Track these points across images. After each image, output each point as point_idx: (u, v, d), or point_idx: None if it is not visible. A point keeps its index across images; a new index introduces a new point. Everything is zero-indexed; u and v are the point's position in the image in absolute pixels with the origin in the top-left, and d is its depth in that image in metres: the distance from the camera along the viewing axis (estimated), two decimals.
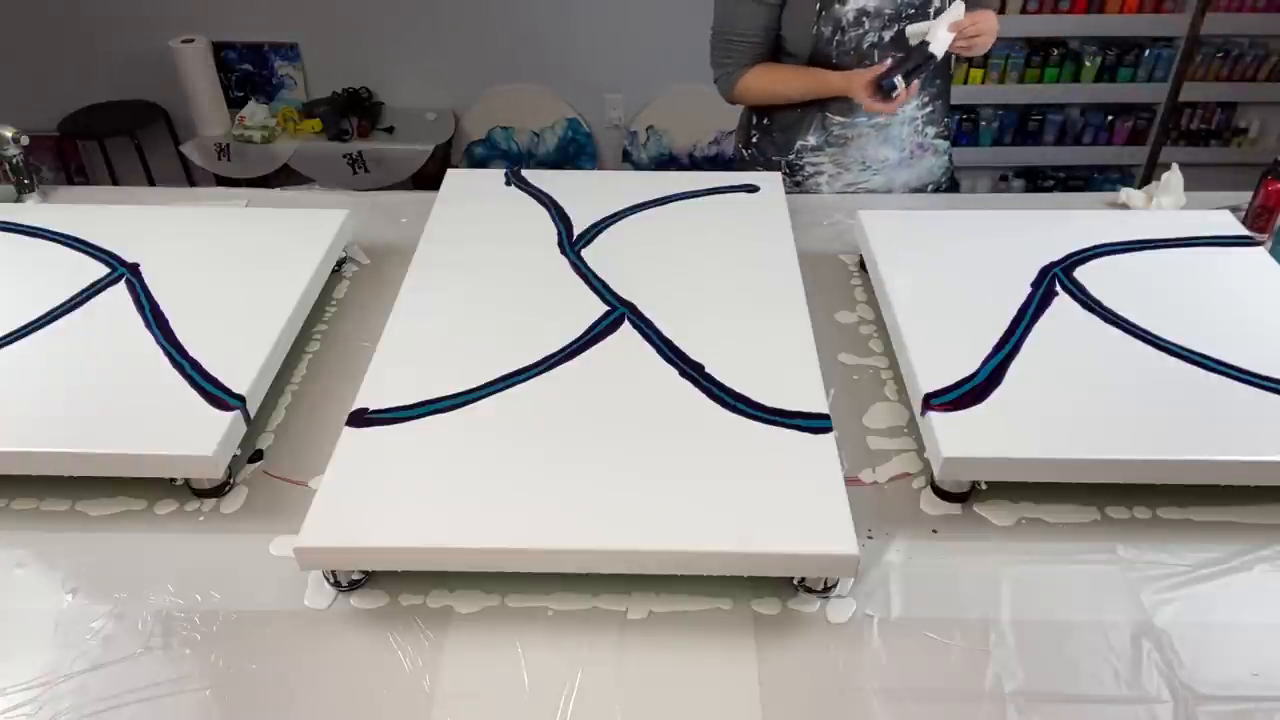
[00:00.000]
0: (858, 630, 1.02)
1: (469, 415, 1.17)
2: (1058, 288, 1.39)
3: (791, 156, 1.87)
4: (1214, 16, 3.37)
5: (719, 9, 1.76)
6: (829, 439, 1.13)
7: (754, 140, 1.93)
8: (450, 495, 1.06)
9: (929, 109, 1.83)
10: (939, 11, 1.68)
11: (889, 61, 1.59)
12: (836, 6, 1.66)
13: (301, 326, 1.40)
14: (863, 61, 1.71)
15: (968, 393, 1.18)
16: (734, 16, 1.73)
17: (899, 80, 1.57)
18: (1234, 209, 1.65)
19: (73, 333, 1.31)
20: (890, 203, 1.83)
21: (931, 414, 1.16)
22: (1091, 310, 1.35)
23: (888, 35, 1.69)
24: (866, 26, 1.68)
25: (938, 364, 1.23)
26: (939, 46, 1.59)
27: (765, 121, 1.89)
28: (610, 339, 1.30)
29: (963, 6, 1.60)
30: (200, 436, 1.12)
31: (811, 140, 1.85)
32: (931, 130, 1.86)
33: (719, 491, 1.06)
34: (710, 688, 0.97)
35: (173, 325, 1.31)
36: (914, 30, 1.64)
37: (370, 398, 1.19)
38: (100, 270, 1.44)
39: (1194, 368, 1.24)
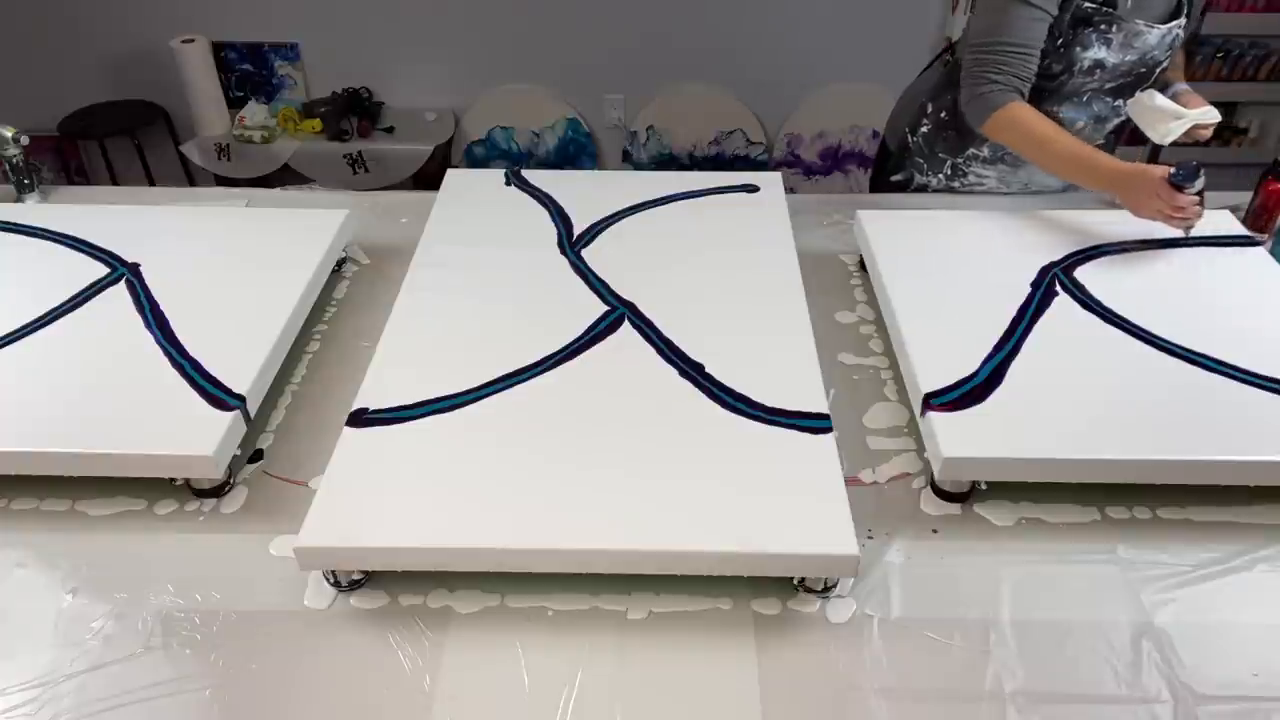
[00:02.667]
0: (858, 630, 1.02)
1: (469, 415, 1.17)
2: (1058, 288, 1.39)
3: (959, 160, 1.80)
4: (1214, 16, 3.37)
5: (986, 17, 1.55)
6: (829, 439, 1.13)
7: (924, 129, 1.82)
8: (450, 495, 1.06)
9: (1102, 144, 1.77)
10: (1161, 77, 1.64)
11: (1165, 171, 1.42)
12: (1077, 50, 1.56)
13: (301, 326, 1.40)
14: (1070, 101, 1.65)
15: (968, 393, 1.18)
16: (1013, 26, 1.52)
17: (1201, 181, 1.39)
18: (1234, 209, 1.65)
19: (73, 333, 1.31)
20: (890, 203, 1.83)
21: (931, 414, 1.16)
22: (1091, 310, 1.35)
23: (1109, 85, 1.63)
24: (1095, 77, 1.61)
25: (938, 364, 1.23)
26: (1165, 139, 1.55)
27: (944, 116, 1.78)
28: (610, 339, 1.30)
29: (1213, 111, 1.56)
30: (200, 436, 1.12)
31: (985, 153, 1.77)
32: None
33: (719, 491, 1.06)
34: (710, 688, 0.97)
35: (173, 325, 1.31)
36: (1139, 109, 1.57)
37: (370, 398, 1.19)
38: (100, 270, 1.44)
39: (1194, 368, 1.24)
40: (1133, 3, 1.54)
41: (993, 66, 1.54)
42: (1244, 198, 1.72)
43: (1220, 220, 1.58)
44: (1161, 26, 1.56)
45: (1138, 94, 1.57)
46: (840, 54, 3.43)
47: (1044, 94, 1.66)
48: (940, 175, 1.84)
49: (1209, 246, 1.51)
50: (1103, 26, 1.54)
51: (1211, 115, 1.54)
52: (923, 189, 1.88)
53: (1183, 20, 1.58)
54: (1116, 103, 1.68)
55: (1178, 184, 1.39)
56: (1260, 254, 1.49)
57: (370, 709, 0.95)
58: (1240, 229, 1.56)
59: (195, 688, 0.96)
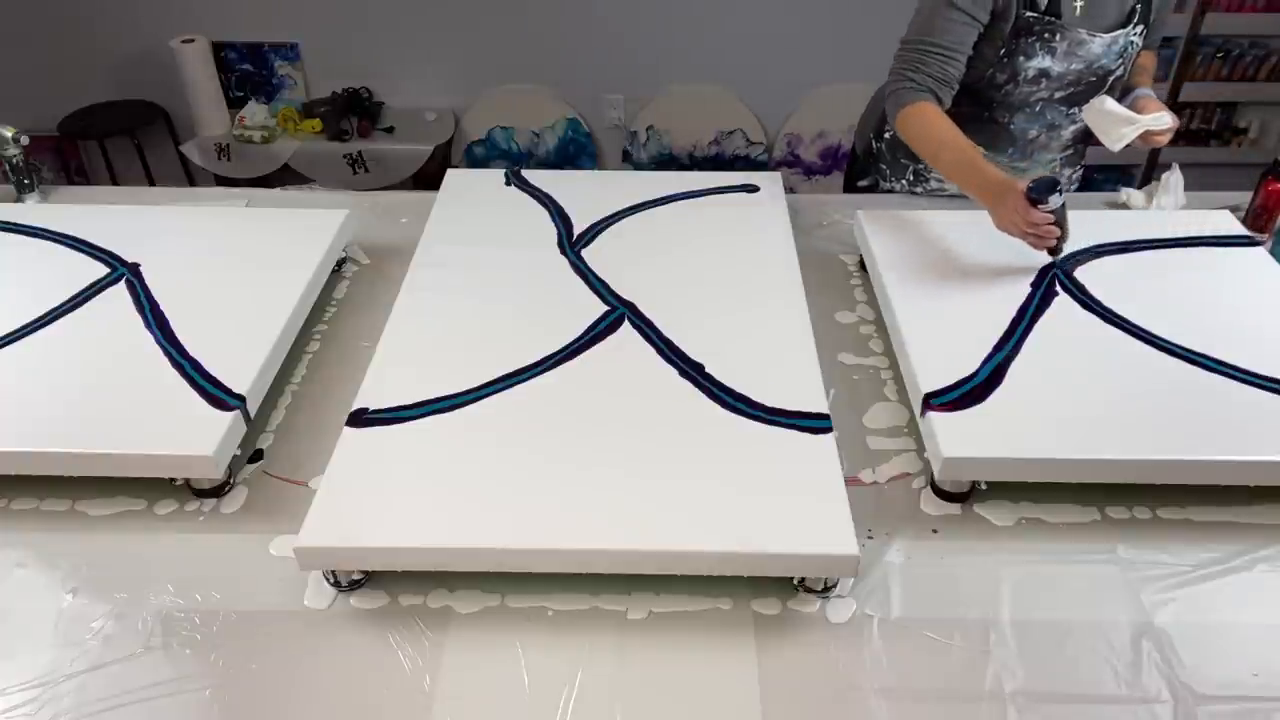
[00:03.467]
0: (858, 630, 1.02)
1: (469, 415, 1.17)
2: (1058, 288, 1.39)
3: (920, 165, 1.80)
4: (1214, 16, 3.36)
5: (920, 18, 1.58)
6: (829, 439, 1.13)
7: (887, 135, 1.83)
8: (450, 495, 1.06)
9: (1070, 151, 1.78)
10: (1118, 84, 1.63)
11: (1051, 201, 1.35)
12: (1020, 60, 1.57)
13: (301, 326, 1.40)
14: (1022, 111, 1.65)
15: (968, 393, 1.18)
16: (938, 26, 1.54)
17: (1056, 199, 1.33)
18: (1234, 209, 1.65)
19: (73, 333, 1.31)
20: (890, 203, 1.83)
21: (931, 414, 1.16)
22: (1091, 310, 1.35)
23: (1059, 94, 1.63)
24: (1042, 86, 1.61)
25: (938, 364, 1.23)
26: (1117, 145, 1.52)
27: None
28: (610, 339, 1.30)
29: (1167, 117, 1.54)
30: (200, 436, 1.12)
31: None
32: (1068, 171, 1.82)
33: (719, 491, 1.06)
34: (710, 688, 0.97)
35: (173, 325, 1.31)
36: (1092, 115, 1.54)
37: (370, 398, 1.19)
38: (100, 270, 1.44)
39: (1194, 368, 1.24)
40: (1080, 11, 1.54)
41: (912, 65, 1.57)
42: (1244, 198, 1.72)
43: (1220, 220, 1.58)
44: (1106, 35, 1.55)
45: (1092, 100, 1.57)
46: (840, 54, 3.43)
47: (993, 104, 1.66)
48: (903, 180, 1.84)
49: (1209, 246, 1.51)
50: (1046, 35, 1.54)
51: (1164, 120, 1.53)
52: (888, 194, 1.87)
53: (1131, 29, 1.57)
54: (1071, 110, 1.67)
55: (1032, 199, 1.32)
56: (1260, 254, 1.49)
57: (370, 709, 0.95)
58: (1240, 229, 1.56)
59: (195, 688, 0.96)
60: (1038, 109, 1.66)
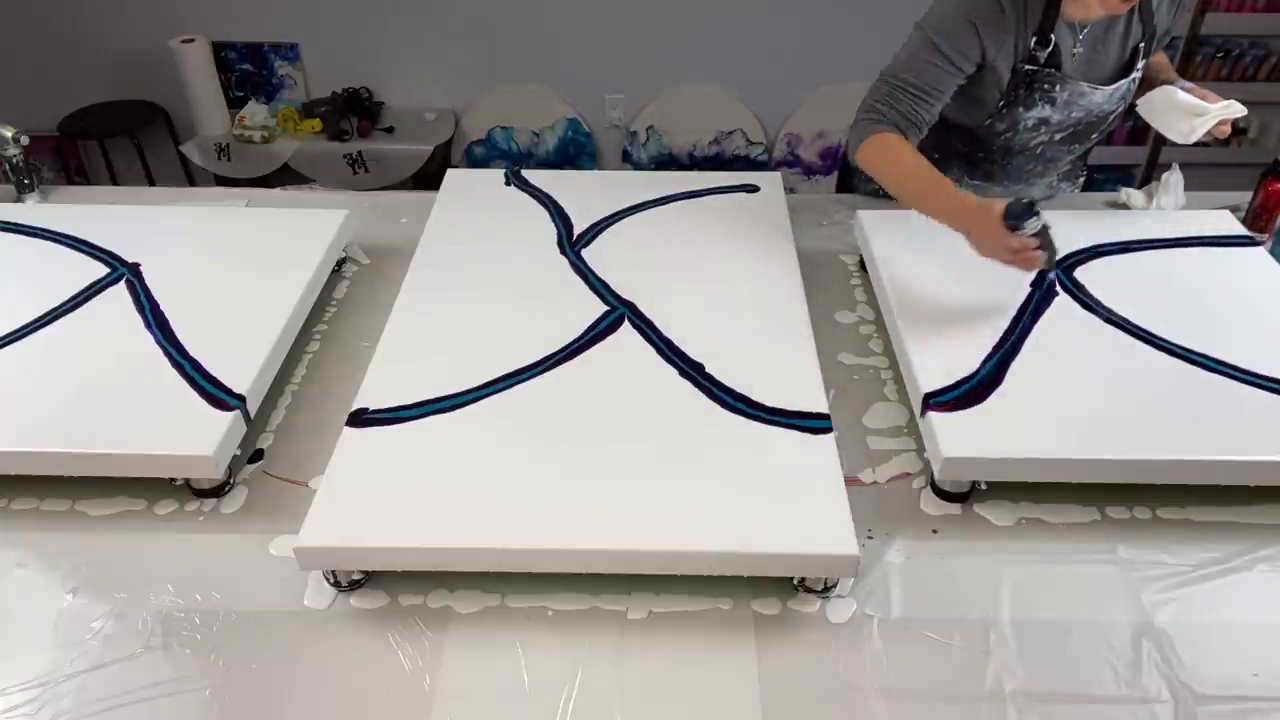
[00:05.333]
0: (858, 630, 1.02)
1: (469, 415, 1.17)
2: (1058, 288, 1.39)
3: None
4: (1214, 16, 3.37)
5: (902, 55, 1.51)
6: (829, 439, 1.13)
7: None
8: (450, 495, 1.06)
9: (1067, 168, 1.77)
10: (1116, 121, 1.60)
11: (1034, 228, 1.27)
12: (1020, 110, 1.53)
13: (301, 326, 1.40)
14: (1022, 154, 1.63)
15: (968, 393, 1.18)
16: (917, 68, 1.47)
17: (1036, 221, 1.25)
18: (1234, 209, 1.65)
19: (73, 333, 1.31)
20: (890, 203, 1.83)
21: (931, 414, 1.16)
22: (1091, 310, 1.35)
23: (1059, 136, 1.60)
24: (1041, 132, 1.58)
25: (938, 364, 1.23)
26: (1189, 138, 1.48)
27: None
28: (610, 339, 1.30)
29: (1238, 104, 1.48)
30: (200, 436, 1.12)
31: None
32: (1066, 186, 1.81)
33: (719, 491, 1.06)
34: (710, 688, 0.97)
35: (173, 325, 1.31)
36: (1157, 108, 1.48)
37: (370, 398, 1.19)
38: (100, 270, 1.44)
39: (1194, 368, 1.24)
40: (1076, 58, 1.51)
41: (884, 99, 1.50)
42: (1244, 198, 1.72)
43: (1220, 220, 1.58)
44: (1108, 87, 1.53)
45: (1150, 94, 1.54)
46: (840, 54, 3.43)
47: (991, 147, 1.64)
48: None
49: (1209, 246, 1.51)
50: (1045, 87, 1.51)
51: (1236, 109, 1.48)
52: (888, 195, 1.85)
53: (1133, 77, 1.55)
54: (1073, 147, 1.65)
55: (1010, 225, 1.25)
56: (1260, 254, 1.49)
57: (370, 709, 0.95)
58: (1240, 229, 1.56)
59: (195, 688, 0.96)
60: (1039, 151, 1.65)
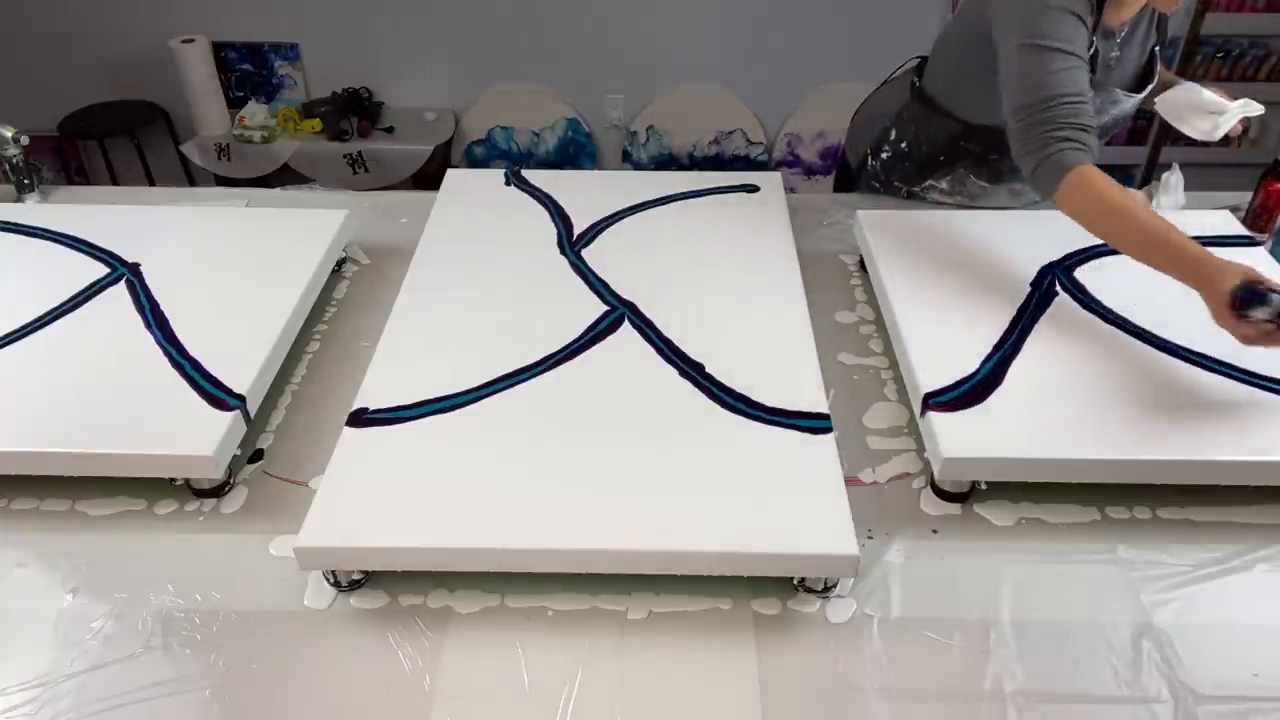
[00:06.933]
0: (858, 630, 1.02)
1: (469, 415, 1.17)
2: (1058, 288, 1.39)
3: (917, 189, 1.78)
4: (1214, 16, 3.37)
5: (1036, 71, 1.31)
6: (829, 439, 1.13)
7: (884, 155, 1.78)
8: (450, 495, 1.06)
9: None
10: (1117, 130, 1.58)
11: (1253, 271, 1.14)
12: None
13: (301, 326, 1.40)
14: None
15: (968, 393, 1.18)
16: (1059, 78, 1.29)
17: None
18: (1234, 209, 1.65)
19: (73, 333, 1.31)
20: (890, 203, 1.83)
21: (931, 414, 1.16)
22: (1091, 310, 1.35)
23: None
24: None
25: (938, 364, 1.23)
26: (1213, 135, 1.47)
27: (904, 146, 1.74)
28: (610, 339, 1.30)
29: (1260, 108, 1.47)
30: (200, 436, 1.12)
31: (944, 185, 1.74)
32: None
33: (719, 491, 1.06)
34: (710, 688, 0.97)
35: (173, 325, 1.31)
36: (1177, 106, 1.47)
37: (370, 398, 1.19)
38: (100, 270, 1.44)
39: (1194, 368, 1.23)
40: (1114, 62, 1.50)
41: (1053, 124, 1.28)
42: (1244, 198, 1.72)
43: (1220, 220, 1.58)
44: (1137, 95, 1.53)
45: (1169, 93, 1.53)
46: (840, 54, 3.43)
47: (1007, 151, 1.53)
48: (899, 196, 1.82)
49: (1209, 246, 1.50)
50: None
51: (1255, 108, 1.47)
52: (888, 195, 1.85)
53: (1155, 82, 1.56)
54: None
55: (1240, 313, 1.11)
56: (1260, 254, 1.49)
57: (370, 709, 0.95)
58: (1240, 229, 1.56)
59: (195, 688, 0.96)
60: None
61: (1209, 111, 1.49)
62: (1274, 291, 1.10)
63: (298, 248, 1.49)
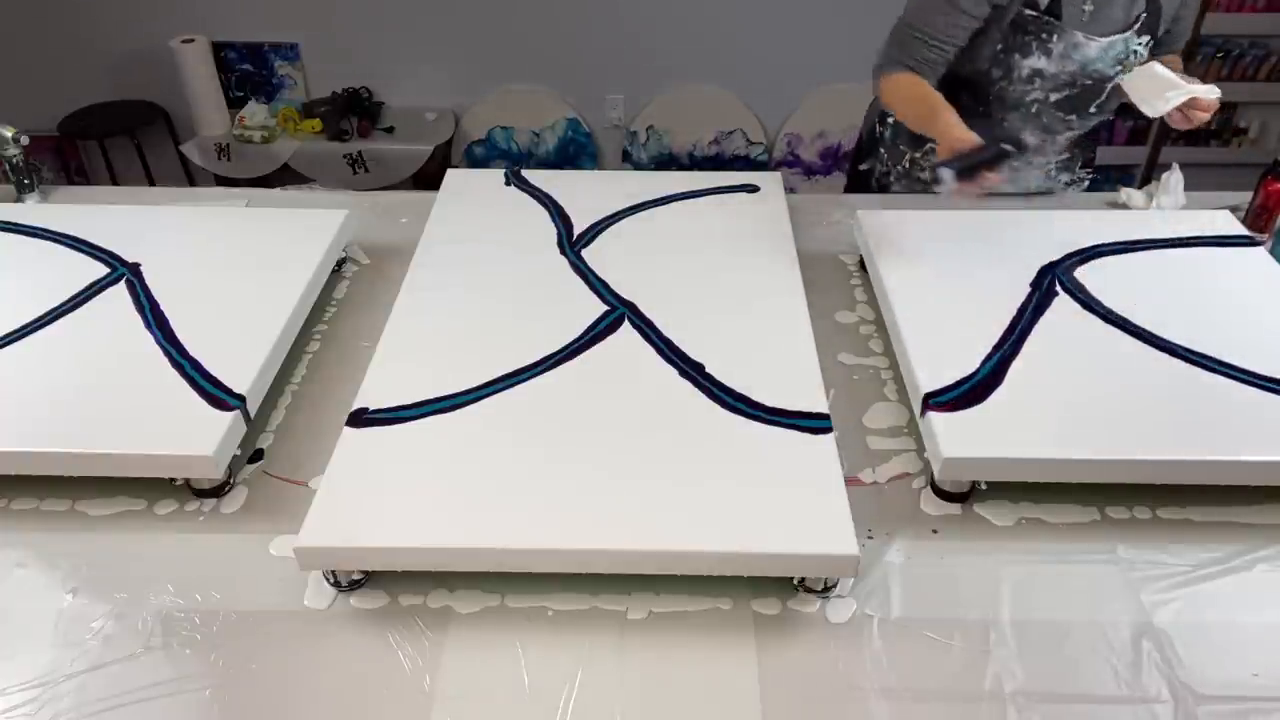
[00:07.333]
0: (858, 630, 1.02)
1: (469, 415, 1.17)
2: (1058, 288, 1.39)
3: (918, 154, 1.84)
4: (1214, 16, 3.37)
5: (918, 5, 1.62)
6: (829, 439, 1.13)
7: (891, 120, 1.87)
8: (450, 495, 1.06)
9: (1065, 156, 1.80)
10: (1115, 91, 1.63)
11: (976, 141, 1.39)
12: (1015, 56, 1.60)
13: (301, 326, 1.40)
14: (1016, 110, 1.68)
15: (968, 393, 1.18)
16: (932, 19, 1.58)
17: (945, 173, 1.36)
18: (1234, 209, 1.65)
19: (73, 333, 1.31)
20: (890, 203, 1.83)
21: (931, 414, 1.16)
22: (1091, 310, 1.35)
23: (1054, 97, 1.65)
24: (1036, 85, 1.63)
25: (938, 364, 1.23)
26: (1159, 109, 1.50)
27: None
28: (610, 339, 1.30)
29: (1215, 88, 1.50)
30: (200, 436, 1.12)
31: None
32: (1065, 176, 1.83)
33: (719, 491, 1.06)
34: (710, 688, 0.97)
35: (173, 325, 1.31)
36: (1137, 80, 1.52)
37: (370, 398, 1.19)
38: (100, 270, 1.44)
39: (1194, 368, 1.23)
40: (1087, 16, 1.54)
41: (900, 46, 1.61)
42: (1244, 198, 1.72)
43: (1220, 220, 1.58)
44: (1104, 39, 1.55)
45: (1135, 67, 1.56)
46: (840, 54, 3.43)
47: (988, 99, 1.67)
48: (899, 167, 1.87)
49: (1209, 246, 1.51)
50: (1043, 36, 1.55)
51: (1213, 92, 1.49)
52: (885, 177, 1.90)
53: (1133, 35, 1.57)
54: (1069, 117, 1.68)
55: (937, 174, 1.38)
56: (1260, 254, 1.49)
57: (370, 709, 0.95)
58: (1240, 229, 1.56)
59: (195, 688, 0.96)
60: (1034, 110, 1.67)
61: (1163, 87, 1.50)
62: (953, 164, 1.35)
63: (298, 248, 1.49)
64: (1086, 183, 1.88)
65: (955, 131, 1.42)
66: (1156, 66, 1.52)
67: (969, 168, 1.35)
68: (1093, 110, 1.68)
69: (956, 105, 1.64)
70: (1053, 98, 1.64)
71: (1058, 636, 1.02)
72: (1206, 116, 1.52)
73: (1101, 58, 1.58)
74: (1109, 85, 1.62)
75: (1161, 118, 1.53)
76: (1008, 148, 1.37)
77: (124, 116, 3.53)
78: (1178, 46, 1.72)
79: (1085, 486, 1.16)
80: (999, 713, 0.94)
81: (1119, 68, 1.60)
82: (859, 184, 1.99)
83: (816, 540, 1.00)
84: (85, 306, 1.36)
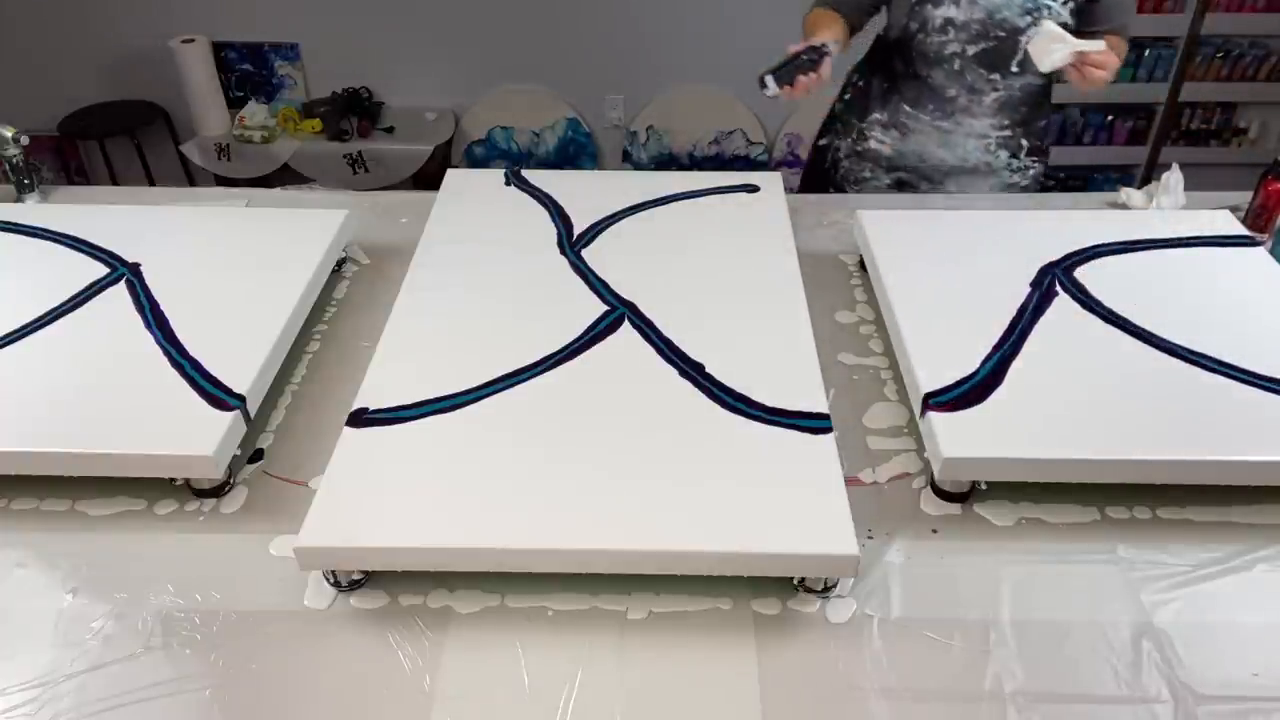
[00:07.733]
0: (858, 630, 1.02)
1: (469, 415, 1.17)
2: (1058, 288, 1.39)
3: (864, 125, 1.92)
4: (1214, 16, 3.37)
5: None
6: (829, 439, 1.13)
7: (846, 97, 1.97)
8: (450, 495, 1.06)
9: (1006, 132, 1.84)
10: (1022, 59, 1.68)
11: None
12: (928, 8, 1.69)
13: (301, 326, 1.40)
14: (939, 66, 1.75)
15: (968, 393, 1.18)
16: None
17: (769, 79, 1.56)
18: (1234, 209, 1.65)
19: (73, 333, 1.31)
20: (890, 203, 1.83)
21: (931, 414, 1.16)
22: (1091, 310, 1.35)
23: (971, 50, 1.71)
24: (950, 35, 1.70)
25: (938, 364, 1.23)
26: (1046, 63, 1.56)
27: (859, 84, 1.94)
28: (610, 339, 1.30)
29: (1103, 44, 1.56)
30: (200, 436, 1.12)
31: (884, 117, 1.88)
32: (1004, 154, 1.86)
33: (719, 491, 1.06)
34: (710, 688, 0.97)
35: (173, 325, 1.31)
36: (1037, 40, 1.58)
37: (370, 398, 1.19)
38: (100, 270, 1.44)
39: (1194, 368, 1.23)
40: None
41: None
42: (1244, 198, 1.72)
43: (1220, 220, 1.58)
44: None
45: (1043, 23, 1.60)
46: (839, 54, 3.43)
47: (913, 56, 1.76)
48: (849, 139, 1.94)
49: (1209, 246, 1.51)
50: None
51: (1097, 45, 1.54)
52: (837, 152, 1.98)
53: None
54: (992, 76, 1.73)
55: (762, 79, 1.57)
56: (1260, 254, 1.49)
57: (370, 709, 0.95)
58: (1240, 229, 1.56)
59: (195, 688, 0.96)
60: (956, 66, 1.73)
61: (1052, 42, 1.55)
62: (774, 71, 1.57)
63: (298, 248, 1.49)
64: (1032, 171, 1.91)
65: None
66: (1053, 25, 1.56)
67: (788, 72, 1.54)
68: (1015, 70, 1.73)
69: (889, 70, 1.79)
70: (969, 50, 1.70)
71: (1058, 636, 1.02)
72: (1105, 75, 1.57)
73: (1008, 4, 1.64)
74: (1021, 37, 1.67)
75: (1061, 75, 1.60)
76: (820, 46, 1.57)
77: (124, 116, 3.53)
78: (1116, 24, 1.73)
79: (1085, 486, 1.16)
80: (999, 713, 0.94)
81: (1029, 19, 1.65)
82: (818, 159, 2.06)
83: (816, 540, 1.00)
84: (85, 306, 1.36)
